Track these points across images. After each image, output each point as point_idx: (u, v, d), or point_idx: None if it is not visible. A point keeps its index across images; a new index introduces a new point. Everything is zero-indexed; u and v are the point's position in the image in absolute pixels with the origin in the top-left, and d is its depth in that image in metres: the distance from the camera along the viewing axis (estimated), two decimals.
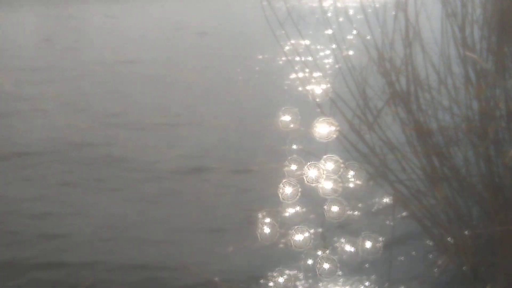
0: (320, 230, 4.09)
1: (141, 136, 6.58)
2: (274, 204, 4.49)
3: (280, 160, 5.43)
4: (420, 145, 3.46)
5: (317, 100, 3.83)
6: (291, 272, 3.60)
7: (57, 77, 10.15)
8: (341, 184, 4.73)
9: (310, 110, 6.83)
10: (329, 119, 3.65)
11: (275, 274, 3.56)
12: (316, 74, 3.93)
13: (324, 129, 5.66)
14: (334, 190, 4.67)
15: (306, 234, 4.05)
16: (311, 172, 4.96)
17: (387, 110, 3.54)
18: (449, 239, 3.49)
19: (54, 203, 4.81)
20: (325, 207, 4.42)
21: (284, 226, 4.18)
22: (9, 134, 6.81)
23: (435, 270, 3.50)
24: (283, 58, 10.27)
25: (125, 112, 7.59)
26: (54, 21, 20.32)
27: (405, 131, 3.51)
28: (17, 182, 5.31)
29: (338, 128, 3.69)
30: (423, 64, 3.54)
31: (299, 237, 4.03)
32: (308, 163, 5.12)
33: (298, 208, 4.45)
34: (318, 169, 4.91)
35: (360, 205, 4.44)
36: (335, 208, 4.39)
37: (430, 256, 3.64)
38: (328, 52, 10.16)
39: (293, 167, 5.24)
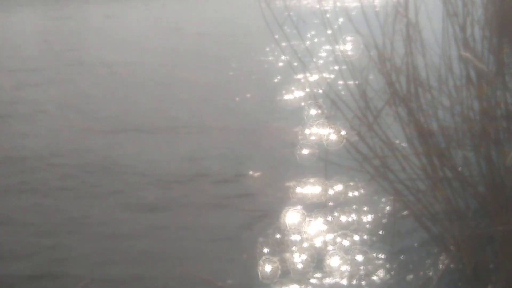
0: (320, 230, 4.08)
1: (141, 139, 6.49)
2: (275, 209, 4.45)
3: (282, 164, 5.40)
4: (421, 145, 3.46)
5: (318, 102, 3.82)
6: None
7: (54, 78, 10.08)
8: (342, 185, 4.73)
9: (311, 112, 6.91)
10: (330, 122, 3.63)
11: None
12: (317, 75, 3.91)
13: (325, 131, 5.68)
14: (335, 191, 4.66)
15: (307, 237, 4.04)
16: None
17: (387, 110, 3.53)
18: (449, 239, 3.48)
19: (51, 210, 4.70)
20: (326, 207, 4.41)
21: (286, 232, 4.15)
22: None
23: (436, 270, 3.49)
24: (283, 59, 10.33)
25: (124, 115, 7.51)
26: (53, 22, 20.29)
27: (406, 131, 3.51)
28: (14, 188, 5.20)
29: (339, 132, 3.68)
30: (424, 64, 3.54)
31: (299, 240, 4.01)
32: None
33: (298, 210, 4.44)
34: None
35: (360, 205, 4.43)
36: (335, 209, 4.38)
37: (431, 256, 3.63)
38: (328, 52, 10.15)
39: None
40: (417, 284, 3.41)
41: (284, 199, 4.60)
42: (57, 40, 15.15)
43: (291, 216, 4.33)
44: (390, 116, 3.54)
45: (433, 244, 3.66)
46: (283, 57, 10.86)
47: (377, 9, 3.61)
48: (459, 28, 3.50)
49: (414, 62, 3.43)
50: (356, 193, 4.61)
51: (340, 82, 3.68)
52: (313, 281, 3.50)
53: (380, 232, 4.00)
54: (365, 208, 4.37)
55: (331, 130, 3.82)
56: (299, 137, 6.11)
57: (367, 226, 4.10)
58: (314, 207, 4.42)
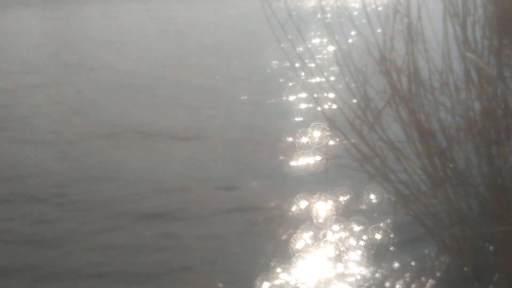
0: (321, 230, 4.07)
1: (139, 145, 6.35)
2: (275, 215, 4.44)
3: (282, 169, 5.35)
4: (422, 145, 3.46)
5: (322, 109, 3.81)
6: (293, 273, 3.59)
7: (49, 80, 9.97)
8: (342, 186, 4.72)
9: (314, 116, 6.86)
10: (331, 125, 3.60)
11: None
12: (318, 75, 3.90)
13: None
14: (335, 191, 4.65)
15: (307, 238, 4.04)
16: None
17: (388, 110, 3.53)
18: (451, 239, 3.47)
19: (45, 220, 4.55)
20: (327, 208, 4.40)
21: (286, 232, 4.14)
22: None
23: (437, 270, 3.48)
24: (284, 60, 10.30)
25: (122, 118, 7.35)
26: (50, 22, 20.29)
27: (407, 131, 3.50)
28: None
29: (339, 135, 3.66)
30: (425, 64, 3.54)
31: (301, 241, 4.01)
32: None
33: (299, 212, 4.43)
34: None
35: (361, 205, 4.42)
36: (336, 209, 4.38)
37: (432, 256, 3.62)
38: (329, 52, 10.13)
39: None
40: (418, 284, 3.40)
41: (286, 206, 4.55)
42: (53, 41, 15.12)
43: (292, 219, 4.33)
44: (391, 116, 3.54)
45: (434, 244, 3.66)
46: (284, 57, 10.87)
47: (378, 9, 3.60)
48: (459, 28, 3.50)
49: (415, 62, 3.43)
50: (356, 193, 4.59)
51: (341, 82, 3.67)
52: (313, 280, 3.50)
53: (381, 232, 3.99)
54: (365, 208, 4.37)
55: (331, 133, 3.76)
56: (300, 140, 6.06)
57: (368, 226, 4.10)
58: (314, 207, 4.41)
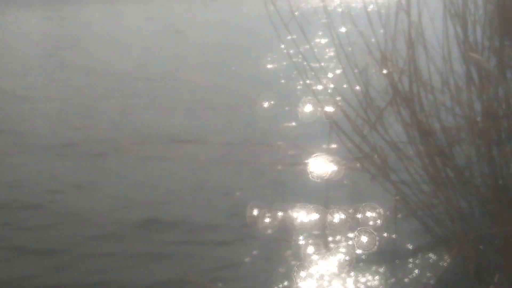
0: (321, 230, 4.07)
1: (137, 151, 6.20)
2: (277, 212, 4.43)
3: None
4: (423, 145, 3.46)
5: (324, 109, 3.81)
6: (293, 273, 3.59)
7: (44, 83, 9.90)
8: (343, 185, 4.73)
9: (315, 117, 6.81)
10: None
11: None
12: (320, 76, 3.89)
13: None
14: (336, 191, 4.65)
15: (307, 238, 4.03)
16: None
17: (389, 110, 3.53)
18: (452, 239, 3.48)
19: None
20: (327, 208, 4.40)
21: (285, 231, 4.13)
22: None
23: (438, 271, 3.49)
24: (285, 60, 10.28)
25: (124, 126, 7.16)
26: (50, 23, 20.26)
27: (408, 131, 3.50)
28: None
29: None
30: (426, 65, 3.54)
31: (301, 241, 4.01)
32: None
33: (299, 211, 4.43)
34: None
35: (362, 205, 4.42)
36: (337, 210, 4.37)
37: (433, 256, 3.62)
38: (331, 52, 10.10)
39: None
40: (419, 284, 3.40)
41: (286, 210, 4.48)
42: (52, 41, 15.09)
43: (292, 217, 4.32)
44: (392, 116, 3.54)
45: (435, 245, 3.66)
46: (286, 57, 10.87)
47: (381, 11, 3.60)
48: (460, 28, 3.51)
49: (416, 63, 3.43)
50: (358, 193, 4.59)
51: (343, 82, 3.67)
52: (314, 280, 3.50)
53: (382, 232, 3.99)
54: (366, 208, 4.36)
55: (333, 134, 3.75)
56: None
57: (369, 226, 4.10)
58: (315, 209, 4.40)
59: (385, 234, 3.96)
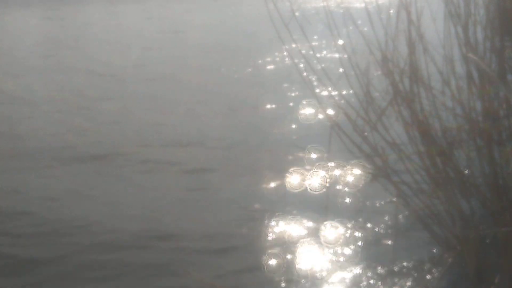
0: (322, 230, 4.07)
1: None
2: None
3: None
4: (423, 146, 3.46)
5: (325, 109, 3.80)
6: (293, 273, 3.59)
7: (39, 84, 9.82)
8: (344, 185, 4.73)
9: (316, 118, 6.79)
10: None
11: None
12: (321, 76, 3.88)
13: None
14: (336, 192, 4.66)
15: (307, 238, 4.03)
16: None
17: (390, 111, 3.53)
18: (452, 239, 3.48)
19: None
20: (328, 209, 4.40)
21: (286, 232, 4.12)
22: None
23: (439, 271, 3.48)
24: (286, 61, 10.27)
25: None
26: (49, 23, 20.25)
27: (408, 132, 3.50)
28: None
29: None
30: (426, 65, 3.54)
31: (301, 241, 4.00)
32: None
33: (300, 212, 4.43)
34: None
35: (362, 205, 4.42)
36: (337, 208, 4.38)
37: (434, 257, 3.62)
38: (331, 53, 10.10)
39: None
40: (419, 284, 3.40)
41: (287, 212, 4.46)
42: (51, 42, 15.06)
43: (292, 217, 4.32)
44: (393, 117, 3.54)
45: (436, 245, 3.66)
46: (285, 59, 10.87)
47: (381, 14, 3.61)
48: (461, 28, 3.51)
49: (417, 63, 3.43)
50: (358, 194, 4.60)
51: (344, 82, 3.67)
52: (314, 279, 3.50)
53: (383, 233, 3.99)
54: (367, 209, 4.37)
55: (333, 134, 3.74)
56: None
57: (370, 226, 4.10)
58: (315, 209, 4.40)
59: (385, 235, 3.95)
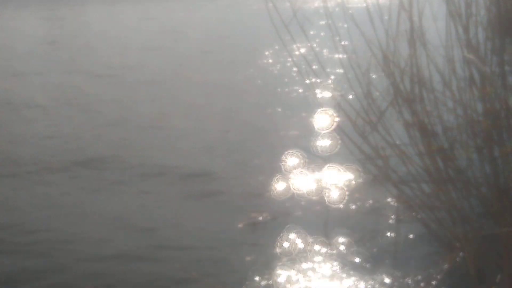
0: (323, 231, 4.07)
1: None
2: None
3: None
4: (424, 146, 3.46)
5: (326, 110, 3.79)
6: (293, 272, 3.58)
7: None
8: (345, 186, 4.72)
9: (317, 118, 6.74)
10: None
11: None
12: (322, 77, 3.87)
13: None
14: (337, 192, 4.65)
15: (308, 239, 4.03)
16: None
17: (391, 111, 3.53)
18: (453, 240, 3.47)
19: None
20: (328, 208, 4.40)
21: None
22: None
23: (440, 271, 3.48)
24: (286, 61, 10.25)
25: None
26: (49, 23, 20.23)
27: (409, 132, 3.50)
28: None
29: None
30: (427, 65, 3.54)
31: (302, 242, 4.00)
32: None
33: (301, 213, 4.43)
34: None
35: (363, 206, 4.42)
36: (338, 210, 4.37)
37: (435, 258, 3.62)
38: (332, 53, 10.06)
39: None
40: (420, 285, 3.40)
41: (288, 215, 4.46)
42: (51, 42, 15.04)
43: (293, 217, 4.32)
44: (393, 117, 3.54)
45: (437, 245, 3.66)
46: (285, 59, 10.86)
47: (381, 9, 3.60)
48: (462, 29, 3.51)
49: (418, 63, 3.43)
50: (359, 194, 4.59)
51: (345, 83, 3.67)
52: (313, 281, 3.49)
53: (383, 233, 3.99)
54: (368, 209, 4.37)
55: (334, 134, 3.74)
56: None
57: (370, 227, 4.10)
58: (316, 208, 4.40)
59: (386, 235, 3.95)
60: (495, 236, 3.31)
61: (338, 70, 4.33)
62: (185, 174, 5.42)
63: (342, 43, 3.70)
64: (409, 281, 3.44)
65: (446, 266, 3.51)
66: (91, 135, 6.78)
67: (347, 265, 3.65)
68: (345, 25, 3.69)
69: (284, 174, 5.16)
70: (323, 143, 5.62)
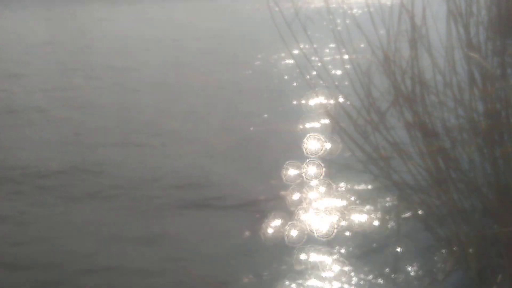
0: (323, 231, 4.07)
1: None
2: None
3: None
4: (425, 146, 3.46)
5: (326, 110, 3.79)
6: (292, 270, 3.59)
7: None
8: (345, 186, 4.72)
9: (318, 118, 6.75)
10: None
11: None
12: (323, 77, 3.87)
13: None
14: (338, 192, 4.65)
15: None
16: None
17: (392, 111, 3.53)
18: (454, 240, 3.47)
19: None
20: (328, 208, 4.40)
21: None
22: None
23: (440, 271, 3.48)
24: (287, 62, 10.25)
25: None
26: (49, 23, 20.23)
27: (410, 132, 3.51)
28: None
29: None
30: (429, 65, 3.54)
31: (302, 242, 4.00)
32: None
33: (301, 213, 4.42)
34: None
35: (364, 206, 4.42)
36: (338, 210, 4.37)
37: (435, 258, 3.62)
38: (333, 53, 10.06)
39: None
40: (421, 285, 3.40)
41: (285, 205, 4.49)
42: (50, 42, 15.03)
43: (293, 217, 4.32)
44: (394, 117, 3.54)
45: (438, 245, 3.66)
46: (288, 59, 10.86)
47: (382, 9, 3.61)
48: (463, 29, 3.51)
49: (419, 63, 3.43)
50: (359, 194, 4.59)
51: (346, 83, 3.67)
52: (315, 279, 3.49)
53: (384, 233, 3.99)
54: (368, 209, 4.36)
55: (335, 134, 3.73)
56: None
57: (371, 227, 4.10)
58: (319, 213, 4.39)
59: (387, 235, 3.95)
60: (496, 236, 3.31)
61: (338, 70, 4.33)
62: (182, 180, 5.29)
63: (343, 43, 3.70)
64: (410, 281, 3.44)
65: (447, 266, 3.51)
66: (87, 138, 6.69)
67: (344, 264, 3.65)
68: (347, 22, 3.69)
69: (288, 180, 5.09)
70: (325, 146, 5.62)
